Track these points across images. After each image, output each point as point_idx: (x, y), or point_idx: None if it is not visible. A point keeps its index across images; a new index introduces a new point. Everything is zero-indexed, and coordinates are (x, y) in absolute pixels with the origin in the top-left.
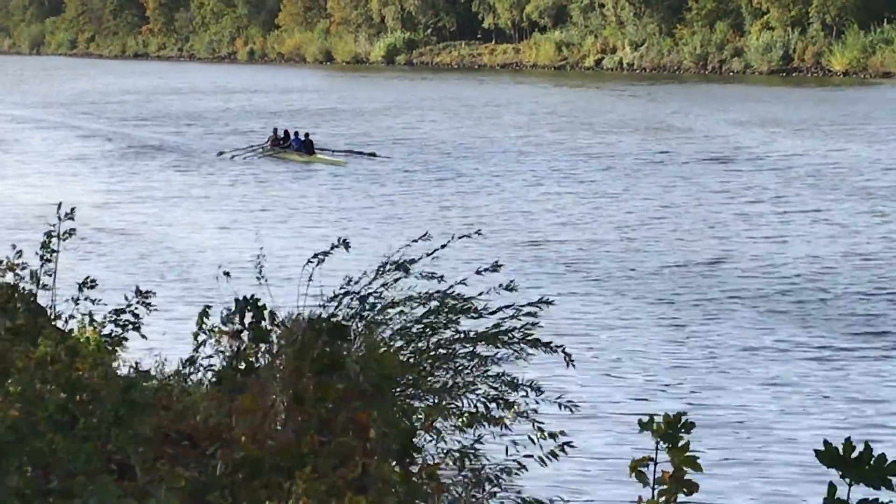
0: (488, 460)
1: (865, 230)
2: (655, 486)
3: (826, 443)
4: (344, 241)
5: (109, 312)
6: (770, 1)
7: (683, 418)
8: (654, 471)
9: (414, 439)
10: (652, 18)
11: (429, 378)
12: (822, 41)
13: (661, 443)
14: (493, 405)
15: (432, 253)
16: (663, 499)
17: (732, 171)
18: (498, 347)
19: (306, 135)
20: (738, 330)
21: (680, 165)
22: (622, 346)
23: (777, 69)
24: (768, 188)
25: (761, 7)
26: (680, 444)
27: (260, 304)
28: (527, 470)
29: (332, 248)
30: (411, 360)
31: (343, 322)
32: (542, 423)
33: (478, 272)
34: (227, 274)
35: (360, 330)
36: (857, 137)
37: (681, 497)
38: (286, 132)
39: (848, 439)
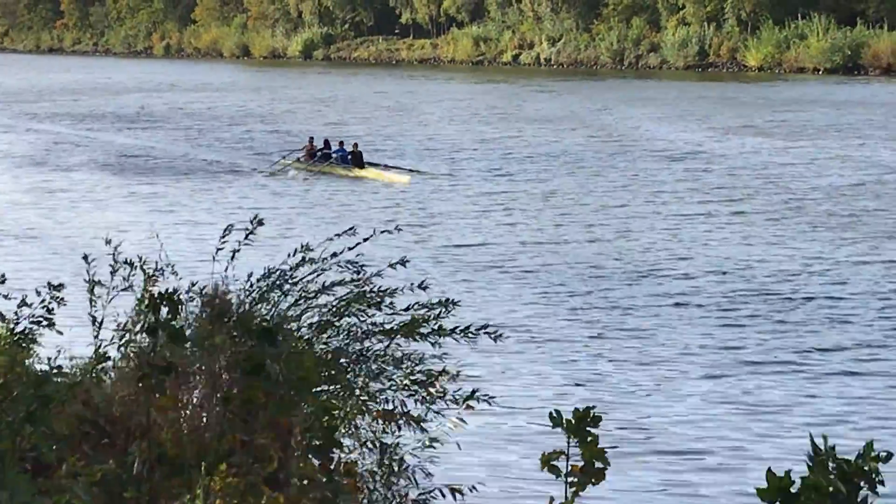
0: (407, 453)
1: (783, 227)
2: (568, 479)
3: (769, 473)
4: (259, 220)
5: (19, 307)
6: None
7: (592, 412)
8: (567, 465)
9: (334, 435)
10: (569, 14)
11: (348, 373)
12: (737, 37)
13: (572, 437)
14: (412, 399)
15: (354, 247)
16: (573, 490)
17: (650, 167)
18: (416, 340)
19: (354, 145)
20: (650, 324)
21: (598, 160)
22: (539, 342)
23: (693, 64)
24: (685, 182)
25: (677, 3)
26: (589, 439)
27: (176, 298)
28: (445, 462)
29: (247, 236)
30: (329, 356)
31: (272, 325)
32: (462, 416)
33: (391, 265)
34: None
35: (281, 328)
36: (773, 132)
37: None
38: (326, 141)
39: (787, 472)
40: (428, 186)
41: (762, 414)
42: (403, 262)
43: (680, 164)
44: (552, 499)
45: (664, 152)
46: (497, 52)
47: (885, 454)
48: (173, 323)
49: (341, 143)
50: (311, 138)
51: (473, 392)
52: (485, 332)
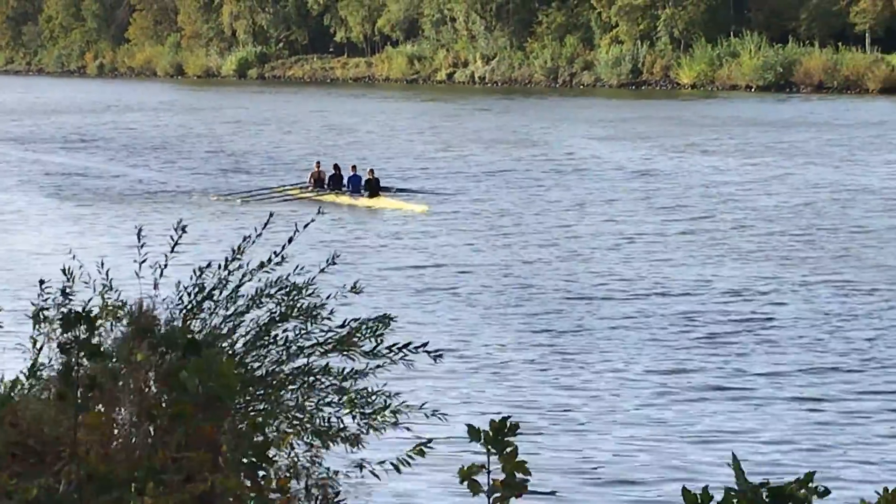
0: (343, 471)
1: (722, 247)
2: (490, 494)
3: (684, 492)
4: (183, 226)
5: None
6: (619, 15)
7: (508, 422)
8: (489, 479)
9: (267, 452)
10: (503, 32)
11: (281, 390)
12: (670, 54)
13: (491, 448)
14: (347, 416)
15: (279, 253)
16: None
17: (589, 185)
18: (351, 358)
19: (370, 171)
20: (590, 346)
21: (537, 179)
22: (478, 363)
23: (627, 82)
24: (625, 202)
25: (611, 21)
26: (508, 450)
27: (92, 315)
28: (380, 480)
29: (173, 248)
30: (263, 372)
31: (196, 337)
32: (397, 434)
33: (321, 270)
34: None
35: (206, 338)
36: (710, 150)
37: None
38: (336, 167)
39: (705, 488)
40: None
41: (703, 439)
42: (333, 260)
43: (619, 183)
44: None
45: (603, 171)
46: (432, 70)
47: (822, 489)
48: (92, 341)
49: (354, 168)
50: (318, 163)
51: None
52: (424, 351)
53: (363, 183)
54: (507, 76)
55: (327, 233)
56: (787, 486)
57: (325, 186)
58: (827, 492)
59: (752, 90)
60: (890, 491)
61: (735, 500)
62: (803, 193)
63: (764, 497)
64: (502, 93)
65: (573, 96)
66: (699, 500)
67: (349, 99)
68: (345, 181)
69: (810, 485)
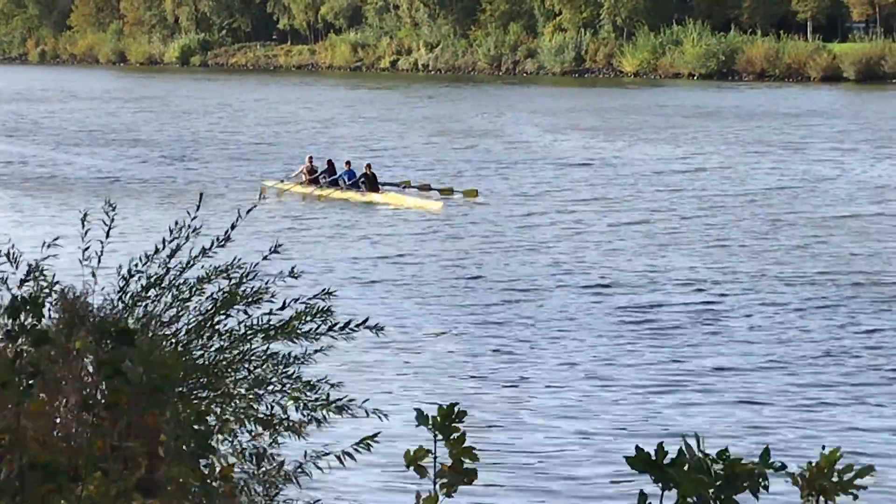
0: (288, 460)
1: (666, 237)
2: (437, 480)
3: (638, 448)
4: (113, 205)
5: None
6: (562, 3)
7: (456, 409)
8: (435, 464)
9: (209, 441)
10: (446, 20)
11: (225, 378)
12: (613, 43)
13: (438, 434)
14: (291, 405)
15: (223, 242)
16: (444, 490)
17: (531, 173)
18: (294, 341)
19: (367, 167)
20: (534, 330)
21: (480, 167)
22: (424, 353)
23: (570, 70)
24: (570, 191)
25: (554, 9)
26: (455, 436)
27: (39, 302)
28: (323, 471)
29: (107, 233)
30: (205, 360)
31: (130, 326)
32: (342, 421)
33: (264, 258)
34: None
35: (146, 328)
36: (651, 138)
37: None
38: (329, 163)
39: (660, 444)
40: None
41: (644, 432)
42: (277, 249)
43: (565, 173)
44: (419, 494)
45: (548, 160)
46: (375, 57)
47: (779, 464)
48: (38, 327)
49: (348, 164)
50: (311, 157)
51: (365, 408)
52: (365, 327)
53: (361, 178)
54: (450, 64)
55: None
56: (739, 461)
57: (321, 181)
58: (783, 466)
59: (695, 78)
60: (812, 463)
61: (687, 464)
62: (748, 183)
63: (715, 469)
64: (446, 80)
65: (517, 84)
66: (652, 457)
67: (293, 87)
68: (341, 176)
69: (768, 460)
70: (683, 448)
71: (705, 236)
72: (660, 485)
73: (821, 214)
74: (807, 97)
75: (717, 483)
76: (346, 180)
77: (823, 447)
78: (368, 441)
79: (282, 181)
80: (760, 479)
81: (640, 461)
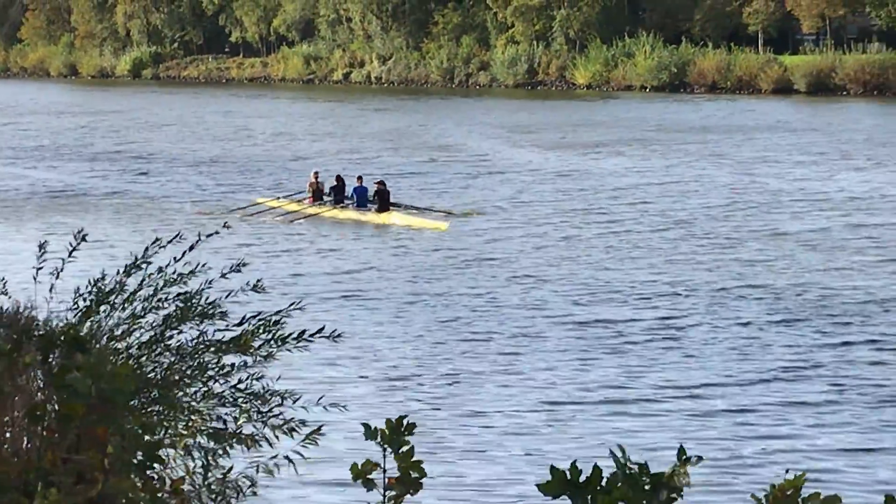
0: (239, 473)
1: (620, 247)
2: (385, 492)
3: (553, 468)
4: (83, 235)
5: None
6: (515, 15)
7: (405, 421)
8: (384, 477)
9: (159, 453)
10: (399, 32)
11: (175, 390)
12: (565, 55)
13: (387, 448)
14: (243, 417)
15: (180, 258)
16: (391, 502)
17: (488, 185)
18: (249, 354)
19: (379, 183)
20: (491, 344)
21: (437, 180)
22: (377, 363)
23: (523, 82)
24: (523, 201)
25: (506, 21)
26: (404, 449)
27: None
28: (276, 479)
29: (70, 252)
30: (156, 374)
31: (81, 335)
32: (293, 432)
33: (223, 275)
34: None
35: (98, 340)
36: (605, 151)
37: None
38: (339, 178)
39: (573, 463)
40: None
41: (596, 448)
42: (239, 268)
43: (523, 185)
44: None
45: (503, 172)
46: (328, 70)
47: (695, 458)
48: None
49: (360, 179)
50: (316, 173)
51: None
52: (321, 336)
53: (371, 195)
54: (403, 76)
55: (330, 250)
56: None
57: (325, 198)
58: (700, 459)
59: (647, 90)
60: (776, 487)
61: (618, 480)
62: (706, 196)
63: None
64: (399, 93)
65: (470, 97)
66: (582, 476)
67: (247, 100)
68: (349, 193)
69: (685, 457)
70: (616, 461)
71: (663, 250)
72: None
73: (778, 228)
74: (760, 109)
75: (645, 494)
76: (356, 198)
77: (787, 470)
78: (315, 438)
79: (278, 198)
80: (682, 479)
81: (556, 483)
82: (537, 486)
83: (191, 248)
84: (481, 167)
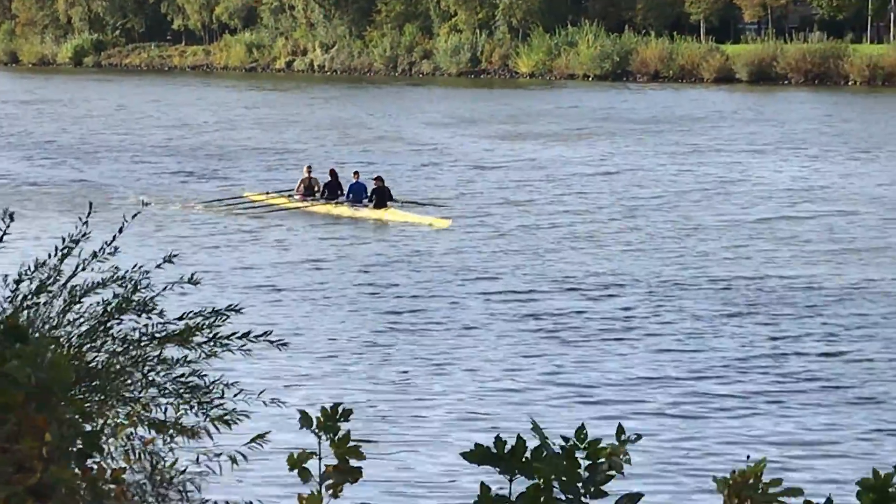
0: (181, 464)
1: (567, 234)
2: (322, 481)
3: (477, 444)
4: (11, 215)
5: None
6: (458, 4)
7: (341, 408)
8: (320, 465)
9: (99, 442)
10: (342, 21)
11: (116, 381)
12: (508, 44)
13: (323, 435)
14: (185, 408)
15: (111, 242)
16: (330, 491)
17: (436, 175)
18: (190, 348)
19: (378, 179)
20: (432, 331)
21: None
22: (321, 356)
23: (466, 71)
24: (472, 191)
25: (449, 10)
26: (340, 435)
27: None
28: (216, 473)
29: (5, 232)
30: (97, 364)
31: (20, 323)
32: (235, 424)
33: (159, 266)
34: None
35: (38, 329)
36: (554, 139)
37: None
38: (332, 173)
39: (498, 436)
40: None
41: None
42: (170, 259)
43: (472, 174)
44: (300, 496)
45: (455, 162)
46: (270, 58)
47: (634, 436)
48: None
49: (357, 175)
50: (309, 167)
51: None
52: (265, 340)
53: (369, 192)
54: (346, 65)
55: (291, 244)
56: (597, 444)
57: (318, 195)
58: (639, 437)
59: (590, 79)
60: (737, 473)
61: (543, 453)
62: (654, 186)
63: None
64: (342, 81)
65: (413, 85)
66: (505, 448)
67: (189, 88)
68: (344, 189)
69: (623, 436)
70: (539, 438)
71: (611, 241)
72: (506, 475)
73: (726, 218)
74: (703, 99)
75: (579, 470)
76: (351, 195)
77: (748, 457)
78: (258, 441)
79: (266, 193)
80: (621, 457)
81: (479, 455)
82: (461, 454)
83: (120, 230)
84: (429, 157)
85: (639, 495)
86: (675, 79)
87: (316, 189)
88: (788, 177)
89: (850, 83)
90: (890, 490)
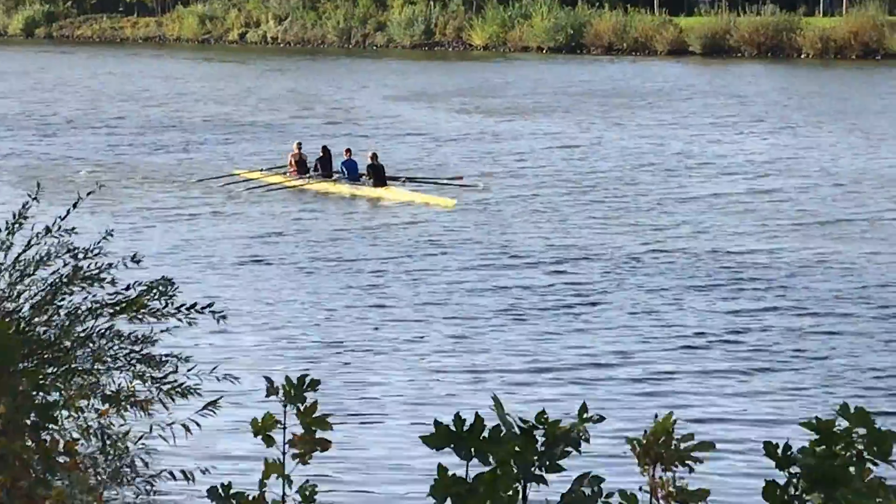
0: (134, 436)
1: (526, 209)
2: (286, 450)
3: (437, 422)
4: None
5: None
6: None
7: (308, 378)
8: (285, 433)
9: (53, 414)
10: None
11: (70, 354)
12: (462, 16)
13: (289, 405)
14: (137, 381)
15: (65, 217)
16: (296, 460)
17: (390, 147)
18: (139, 319)
19: (372, 156)
20: (391, 305)
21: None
22: (270, 328)
23: (419, 43)
24: (430, 164)
25: None
26: (307, 405)
27: None
28: (171, 443)
29: None
30: (49, 337)
31: None
32: (187, 396)
33: (105, 237)
34: None
35: None
36: (512, 111)
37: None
38: (324, 150)
39: (457, 414)
40: (166, 166)
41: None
42: (109, 235)
43: (431, 147)
44: (266, 460)
45: (410, 135)
46: (223, 30)
47: (597, 417)
48: None
49: (348, 152)
50: (299, 144)
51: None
52: (210, 311)
53: (365, 169)
54: (299, 37)
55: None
56: (556, 425)
57: (311, 172)
58: (601, 419)
59: (544, 51)
60: (649, 431)
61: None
62: (613, 160)
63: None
64: (296, 54)
65: (367, 57)
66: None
67: (143, 60)
68: (336, 167)
69: (585, 415)
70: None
71: (570, 215)
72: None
73: (685, 192)
74: (657, 71)
75: (538, 447)
76: (345, 172)
77: (656, 415)
78: (211, 408)
79: (261, 170)
80: (580, 434)
81: (439, 435)
82: (421, 437)
83: (74, 205)
84: (388, 131)
85: (598, 479)
86: (628, 51)
87: (309, 166)
88: (747, 150)
89: (802, 56)
90: (834, 430)
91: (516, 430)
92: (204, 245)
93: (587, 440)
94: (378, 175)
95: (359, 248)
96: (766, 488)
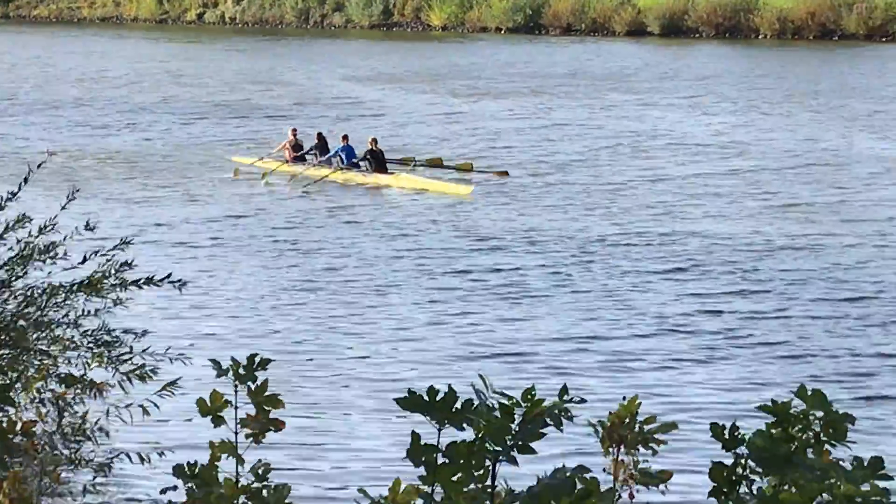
0: (92, 417)
1: (487, 186)
2: (238, 429)
3: (410, 391)
4: None
5: None
6: None
7: (258, 358)
8: (236, 414)
9: (10, 395)
10: None
11: (25, 335)
12: None
13: (239, 384)
14: (95, 362)
15: (15, 195)
16: (250, 439)
17: (354, 127)
18: (98, 296)
19: (372, 141)
20: (353, 289)
21: (316, 125)
22: (232, 307)
23: (378, 24)
24: (393, 147)
25: None
26: (258, 384)
27: None
28: (128, 423)
29: None
30: (4, 317)
31: None
32: (144, 379)
33: (62, 208)
34: None
35: None
36: (467, 91)
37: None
38: (320, 136)
39: (431, 387)
40: (130, 145)
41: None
42: (91, 227)
43: (392, 128)
44: (212, 443)
45: (375, 116)
46: (181, 10)
47: (578, 398)
48: None
49: (346, 139)
50: (294, 130)
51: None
52: (168, 282)
53: (364, 155)
54: (258, 17)
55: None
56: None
57: (308, 158)
58: (582, 400)
59: (503, 32)
60: (613, 413)
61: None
62: (577, 141)
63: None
64: (254, 34)
65: (326, 38)
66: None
67: (101, 40)
68: (336, 153)
69: (566, 397)
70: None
71: (536, 197)
72: (434, 422)
73: (650, 174)
74: (617, 52)
75: (516, 424)
76: (344, 159)
77: (624, 398)
78: (169, 389)
79: (260, 159)
80: (561, 413)
81: (411, 402)
82: (395, 399)
83: (25, 180)
84: (353, 112)
85: (583, 468)
86: (587, 32)
87: (306, 153)
88: (709, 131)
89: (760, 36)
90: (790, 412)
91: (495, 404)
92: (198, 231)
93: (570, 418)
94: (378, 161)
95: (363, 239)
96: (713, 469)
